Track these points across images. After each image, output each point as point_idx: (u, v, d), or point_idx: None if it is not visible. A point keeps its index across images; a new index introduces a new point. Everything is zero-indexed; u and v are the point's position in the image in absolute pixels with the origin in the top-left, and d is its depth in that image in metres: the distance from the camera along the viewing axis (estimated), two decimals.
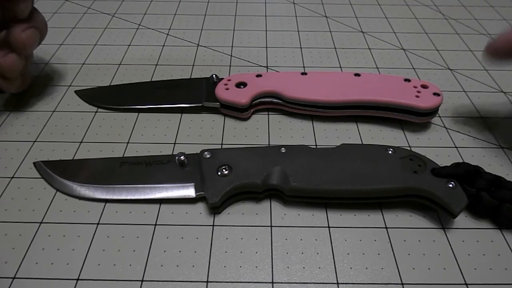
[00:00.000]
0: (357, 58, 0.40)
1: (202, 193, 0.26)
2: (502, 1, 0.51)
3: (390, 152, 0.27)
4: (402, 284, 0.23)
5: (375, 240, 0.25)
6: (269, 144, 0.31)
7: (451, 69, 0.39)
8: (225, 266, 0.23)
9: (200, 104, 0.33)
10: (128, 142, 0.31)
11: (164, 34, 0.44)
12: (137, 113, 0.33)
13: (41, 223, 0.25)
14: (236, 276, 0.23)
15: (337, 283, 0.23)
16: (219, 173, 0.26)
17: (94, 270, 0.23)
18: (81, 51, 0.41)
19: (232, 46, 0.42)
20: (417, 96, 0.31)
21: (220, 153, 0.27)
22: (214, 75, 0.35)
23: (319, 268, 0.23)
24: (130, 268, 0.23)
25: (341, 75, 0.35)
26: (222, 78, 0.34)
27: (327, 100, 0.31)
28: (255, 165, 0.26)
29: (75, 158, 0.29)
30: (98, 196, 0.26)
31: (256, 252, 0.24)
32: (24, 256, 0.23)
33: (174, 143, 0.31)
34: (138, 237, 0.25)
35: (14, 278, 0.22)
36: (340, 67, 0.39)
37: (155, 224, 0.25)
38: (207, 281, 0.23)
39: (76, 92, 0.35)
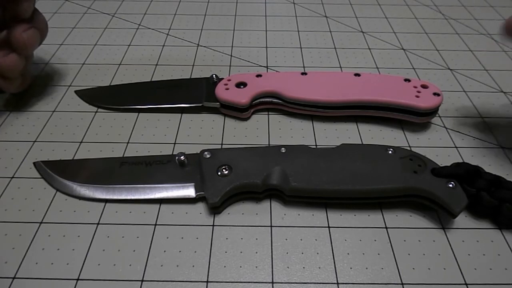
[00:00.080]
0: (357, 58, 0.40)
1: (202, 193, 0.26)
2: (502, 1, 0.51)
3: (390, 152, 0.27)
4: (402, 284, 0.23)
5: (375, 240, 0.25)
6: (269, 144, 0.31)
7: (451, 69, 0.39)
8: (225, 266, 0.23)
9: (200, 104, 0.33)
10: (128, 142, 0.31)
11: (164, 34, 0.44)
12: (137, 113, 0.33)
13: (41, 223, 0.25)
14: (236, 276, 0.23)
15: (337, 283, 0.23)
16: (219, 173, 0.26)
17: (94, 270, 0.23)
18: (81, 51, 0.41)
19: (232, 46, 0.42)
20: (417, 96, 0.31)
21: (220, 153, 0.27)
22: (214, 75, 0.35)
23: (319, 268, 0.23)
24: (130, 268, 0.23)
25: (341, 75, 0.35)
26: (222, 78, 0.34)
27: (327, 100, 0.31)
28: (255, 165, 0.26)
29: (75, 158, 0.29)
30: (98, 196, 0.26)
31: (256, 252, 0.24)
32: (24, 256, 0.23)
33: (174, 143, 0.31)
34: (138, 237, 0.25)
35: (14, 278, 0.22)
36: (340, 67, 0.39)
37: (155, 224, 0.25)
38: (207, 281, 0.23)
39: (76, 92, 0.35)
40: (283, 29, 0.45)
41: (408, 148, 0.31)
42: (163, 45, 0.42)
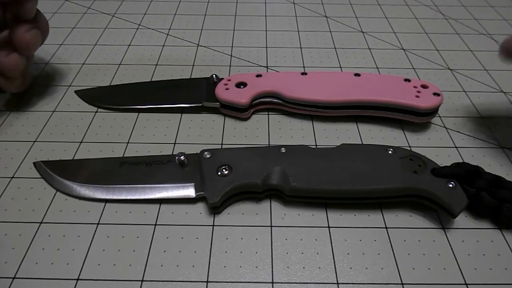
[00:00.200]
0: (357, 58, 0.40)
1: (202, 193, 0.26)
2: (502, 1, 0.51)
3: (390, 152, 0.27)
4: (402, 284, 0.23)
5: (375, 240, 0.25)
6: (269, 144, 0.31)
7: (451, 69, 0.39)
8: (225, 266, 0.23)
9: (200, 104, 0.33)
10: (128, 142, 0.31)
11: (164, 34, 0.44)
12: (137, 113, 0.33)
13: (41, 223, 0.25)
14: (236, 276, 0.23)
15: (337, 283, 0.23)
16: (219, 173, 0.26)
17: (94, 270, 0.23)
18: (81, 51, 0.41)
19: (232, 46, 0.42)
20: (417, 96, 0.31)
21: (220, 153, 0.27)
22: (214, 75, 0.35)
23: (319, 268, 0.23)
24: (130, 268, 0.23)
25: (341, 75, 0.35)
26: (222, 78, 0.34)
27: (327, 100, 0.31)
28: (255, 165, 0.26)
29: (75, 158, 0.29)
30: (98, 196, 0.26)
31: (256, 252, 0.24)
32: (24, 256, 0.23)
33: (174, 143, 0.31)
34: (138, 237, 0.25)
35: (14, 278, 0.22)
36: (340, 67, 0.39)
37: (155, 224, 0.25)
38: (207, 281, 0.23)
39: (76, 92, 0.35)
40: (283, 29, 0.45)
41: (408, 148, 0.31)
42: (163, 45, 0.42)
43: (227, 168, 0.26)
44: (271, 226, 0.25)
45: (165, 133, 0.32)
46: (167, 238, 0.25)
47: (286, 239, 0.25)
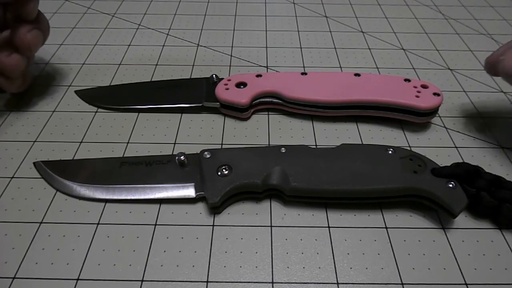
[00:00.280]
0: (357, 58, 0.40)
1: (202, 193, 0.26)
2: (502, 1, 0.51)
3: (390, 152, 0.27)
4: (402, 284, 0.23)
5: (375, 240, 0.25)
6: (269, 144, 0.31)
7: (451, 69, 0.39)
8: (225, 266, 0.23)
9: (200, 104, 0.33)
10: (128, 142, 0.31)
11: (164, 34, 0.44)
12: (137, 113, 0.33)
13: (41, 223, 0.25)
14: (236, 276, 0.23)
15: (337, 283, 0.23)
16: (219, 173, 0.26)
17: (94, 270, 0.23)
18: (81, 51, 0.41)
19: (232, 46, 0.42)
20: (417, 96, 0.31)
21: (220, 153, 0.27)
22: (214, 75, 0.35)
23: (319, 268, 0.23)
24: (130, 268, 0.23)
25: (341, 75, 0.35)
26: (222, 78, 0.34)
27: (327, 100, 0.31)
28: (255, 165, 0.26)
29: (75, 158, 0.29)
30: (98, 196, 0.26)
31: (256, 252, 0.24)
32: (24, 256, 0.23)
33: (174, 143, 0.31)
34: (138, 237, 0.25)
35: (14, 278, 0.22)
36: (340, 67, 0.39)
37: (155, 224, 0.25)
38: (207, 281, 0.23)
39: (76, 92, 0.35)
40: (283, 29, 0.45)
41: (408, 148, 0.31)
42: (163, 45, 0.42)
43: (227, 168, 0.26)
44: (271, 226, 0.25)
45: (165, 133, 0.32)
46: (167, 238, 0.25)
47: (286, 239, 0.25)
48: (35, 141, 0.31)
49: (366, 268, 0.23)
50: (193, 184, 0.26)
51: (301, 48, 0.42)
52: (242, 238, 0.25)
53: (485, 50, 0.42)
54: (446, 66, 0.40)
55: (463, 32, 0.45)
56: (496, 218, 0.25)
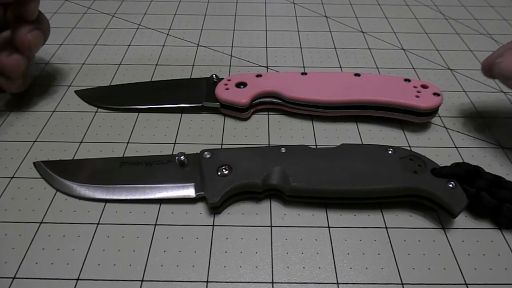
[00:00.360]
0: (357, 58, 0.40)
1: (202, 193, 0.26)
2: (502, 1, 0.51)
3: (390, 152, 0.27)
4: (402, 284, 0.23)
5: (375, 240, 0.25)
6: (269, 144, 0.31)
7: (451, 69, 0.39)
8: (225, 266, 0.23)
9: (200, 104, 0.33)
10: (128, 142, 0.31)
11: (164, 34, 0.44)
12: (137, 113, 0.33)
13: (41, 223, 0.25)
14: (236, 276, 0.23)
15: (337, 283, 0.23)
16: (219, 173, 0.26)
17: (94, 270, 0.23)
18: (81, 51, 0.41)
19: (232, 46, 0.42)
20: (417, 96, 0.31)
21: (220, 153, 0.27)
22: (214, 75, 0.35)
23: (319, 268, 0.23)
24: (130, 268, 0.23)
25: (341, 75, 0.35)
26: (222, 78, 0.34)
27: (327, 100, 0.31)
28: (255, 165, 0.26)
29: (75, 158, 0.29)
30: (98, 196, 0.26)
31: (256, 252, 0.24)
32: (24, 256, 0.23)
33: (174, 143, 0.31)
34: (138, 237, 0.25)
35: (14, 278, 0.22)
36: (340, 67, 0.39)
37: (155, 224, 0.25)
38: (207, 281, 0.23)
39: (76, 92, 0.35)
40: (283, 29, 0.45)
41: (408, 148, 0.31)
42: (163, 45, 0.42)
43: (227, 168, 0.26)
44: (271, 226, 0.25)
45: (165, 133, 0.32)
46: (167, 238, 0.25)
47: (286, 239, 0.25)
48: (35, 141, 0.31)
49: (366, 268, 0.23)
50: (193, 184, 0.26)
51: (301, 48, 0.42)
52: (242, 238, 0.25)
53: (485, 50, 0.42)
54: (446, 66, 0.40)
55: (463, 32, 0.45)
56: (496, 218, 0.25)
